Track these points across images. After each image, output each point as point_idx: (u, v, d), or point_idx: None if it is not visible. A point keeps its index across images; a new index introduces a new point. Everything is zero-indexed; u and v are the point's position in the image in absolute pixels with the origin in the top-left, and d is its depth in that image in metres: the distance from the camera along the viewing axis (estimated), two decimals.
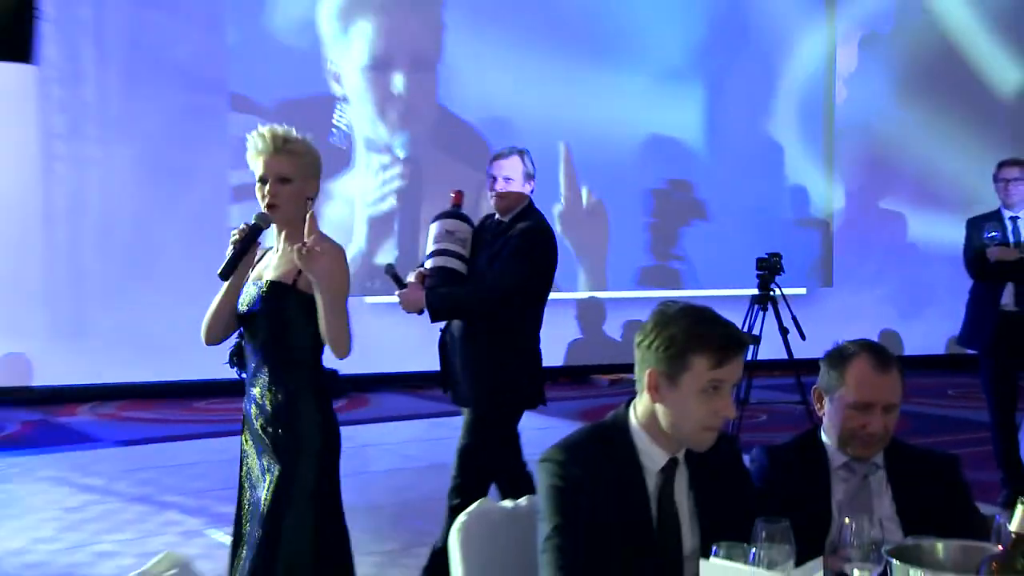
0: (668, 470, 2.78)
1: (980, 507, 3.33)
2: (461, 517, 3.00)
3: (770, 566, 2.24)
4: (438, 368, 5.67)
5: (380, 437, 10.27)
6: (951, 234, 12.83)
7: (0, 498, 7.92)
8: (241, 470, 4.03)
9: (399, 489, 8.20)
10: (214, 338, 3.97)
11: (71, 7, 10.85)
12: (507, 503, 3.13)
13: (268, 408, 3.85)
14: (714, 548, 2.31)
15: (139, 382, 11.15)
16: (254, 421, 3.90)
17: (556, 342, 12.82)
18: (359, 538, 6.82)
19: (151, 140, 11.38)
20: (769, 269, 9.51)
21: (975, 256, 7.38)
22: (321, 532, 3.90)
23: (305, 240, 3.64)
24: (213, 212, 11.35)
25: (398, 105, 12.78)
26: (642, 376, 2.74)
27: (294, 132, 3.90)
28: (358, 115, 12.66)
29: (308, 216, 3.71)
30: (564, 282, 13.17)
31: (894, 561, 2.27)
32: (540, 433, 9.36)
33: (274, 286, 3.80)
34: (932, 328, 13.42)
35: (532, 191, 5.55)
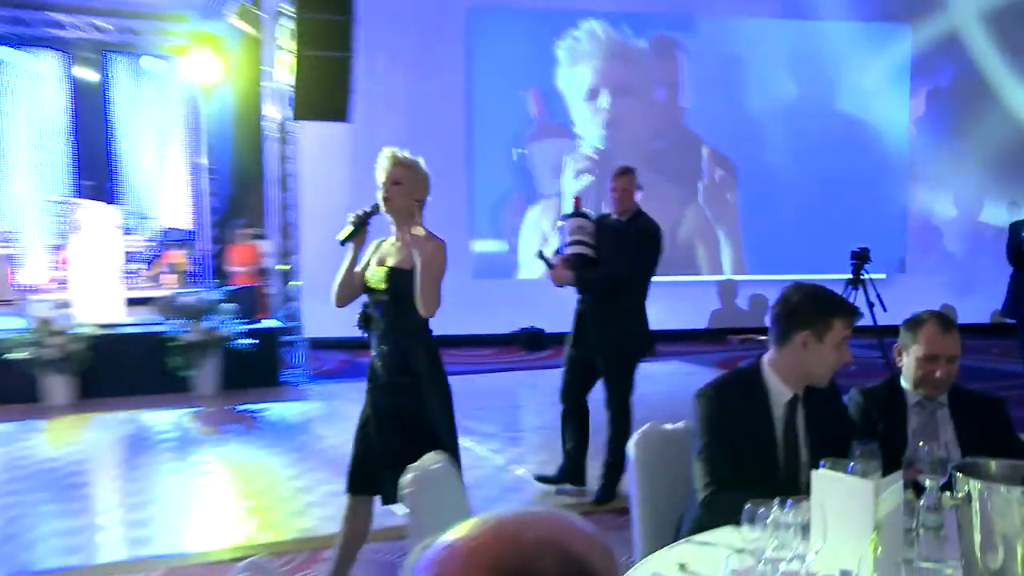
0: (791, 403, 2.76)
1: (1021, 436, 3.19)
2: (635, 436, 3.01)
3: (863, 475, 2.17)
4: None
5: None
6: (994, 234, 12.28)
7: (327, 412, 8.22)
8: (364, 411, 3.89)
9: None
10: (343, 301, 3.90)
11: (371, 83, 11.11)
12: (667, 426, 3.10)
13: (394, 361, 3.77)
14: (821, 462, 2.25)
15: None
16: (381, 373, 3.82)
17: (702, 311, 12.65)
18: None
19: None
20: (860, 259, 9.34)
21: (1014, 250, 7.09)
22: (454, 438, 3.81)
23: (412, 232, 3.66)
24: (450, 209, 11.54)
25: (608, 125, 12.75)
26: (791, 335, 2.71)
27: (407, 152, 3.88)
28: (586, 136, 12.72)
29: (415, 213, 3.78)
30: (707, 266, 13.02)
31: (957, 474, 2.17)
32: (688, 377, 9.28)
33: (395, 270, 3.76)
34: (980, 303, 12.82)
35: (640, 198, 5.43)
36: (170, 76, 13.97)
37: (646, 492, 2.94)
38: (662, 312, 12.28)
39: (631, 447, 2.98)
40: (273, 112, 9.95)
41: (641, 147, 12.69)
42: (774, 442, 2.73)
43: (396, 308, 3.76)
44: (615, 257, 5.26)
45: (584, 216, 5.39)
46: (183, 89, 14.12)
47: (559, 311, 12.13)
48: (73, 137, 13.82)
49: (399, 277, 3.72)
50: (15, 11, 12.65)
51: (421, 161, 3.90)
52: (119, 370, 8.58)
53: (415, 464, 2.66)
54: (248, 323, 9.13)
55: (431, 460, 2.70)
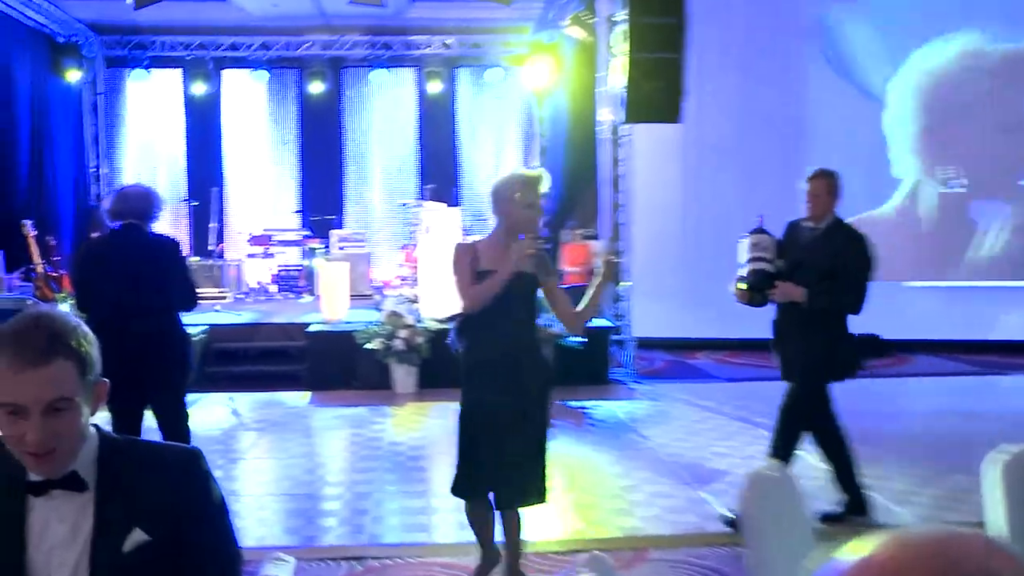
0: None
1: None
2: (1003, 457, 2.68)
3: None
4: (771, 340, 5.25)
5: (917, 388, 9.58)
6: None
7: (654, 412, 8.20)
8: None
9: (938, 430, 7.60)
10: None
11: (702, 83, 10.97)
12: None
13: None
14: None
15: (738, 337, 11.11)
16: None
17: None
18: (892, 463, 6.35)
19: (749, 168, 11.32)
20: None
21: None
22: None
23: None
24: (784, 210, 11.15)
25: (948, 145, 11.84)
26: None
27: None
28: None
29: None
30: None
31: None
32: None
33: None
34: None
35: (837, 204, 4.97)
36: (508, 85, 14.59)
37: (1015, 521, 2.62)
38: (1018, 322, 11.28)
39: (994, 468, 2.67)
40: (606, 115, 10.10)
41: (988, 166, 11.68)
42: None
43: None
44: (842, 272, 4.81)
45: (761, 232, 5.04)
46: (519, 96, 14.71)
47: (900, 316, 11.45)
48: (419, 145, 14.81)
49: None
50: (384, 37, 13.86)
51: (509, 174, 4.12)
52: (456, 362, 9.02)
53: (754, 470, 2.56)
54: None
55: (769, 467, 2.59)
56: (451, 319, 4.20)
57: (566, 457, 6.66)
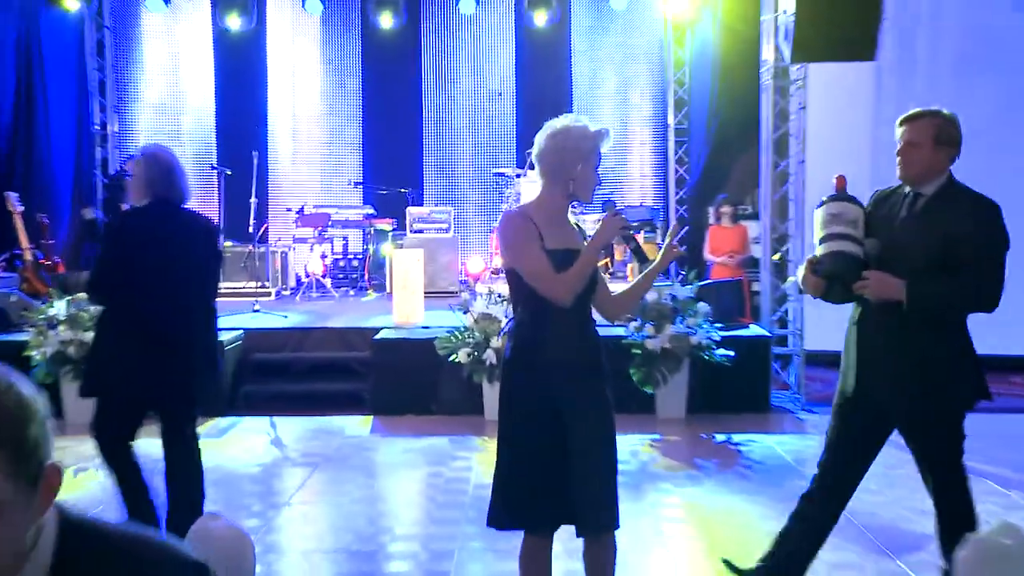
0: None
1: None
2: None
3: None
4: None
5: None
6: None
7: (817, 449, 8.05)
8: None
9: None
10: None
11: (910, 5, 10.76)
12: None
13: None
14: None
15: None
16: None
17: None
18: None
19: (974, 127, 11.01)
20: None
21: None
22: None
23: None
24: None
25: None
26: None
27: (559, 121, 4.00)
28: None
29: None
30: None
31: None
32: None
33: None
34: None
35: (952, 160, 4.57)
36: (638, 15, 14.53)
37: None
38: None
39: None
40: (771, 54, 9.97)
41: None
42: None
43: None
44: (964, 265, 4.32)
45: (842, 199, 4.61)
46: (652, 31, 14.63)
47: None
48: (519, 96, 14.80)
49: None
50: None
51: (575, 124, 3.99)
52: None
53: (979, 534, 2.49)
54: (728, 329, 9.21)
55: (1000, 530, 2.52)
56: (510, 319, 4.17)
57: (709, 508, 6.62)
